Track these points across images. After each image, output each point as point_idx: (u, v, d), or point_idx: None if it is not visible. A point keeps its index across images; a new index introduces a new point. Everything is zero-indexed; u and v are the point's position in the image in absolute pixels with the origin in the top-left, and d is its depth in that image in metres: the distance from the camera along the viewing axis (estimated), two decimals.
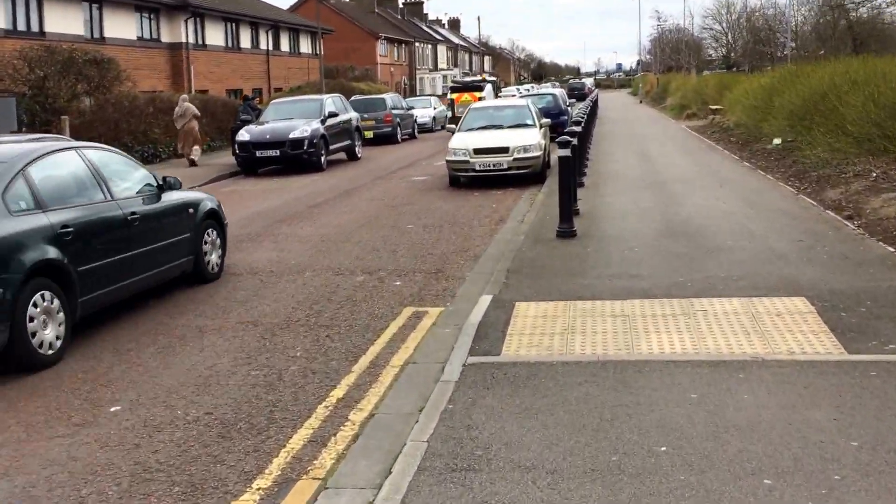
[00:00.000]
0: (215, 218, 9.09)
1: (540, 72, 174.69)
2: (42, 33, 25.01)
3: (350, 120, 23.41)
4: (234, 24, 37.34)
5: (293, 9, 62.04)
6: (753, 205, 11.52)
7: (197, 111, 23.08)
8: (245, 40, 38.45)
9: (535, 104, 18.51)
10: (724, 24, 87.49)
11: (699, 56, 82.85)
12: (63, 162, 7.20)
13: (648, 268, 8.09)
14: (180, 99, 23.47)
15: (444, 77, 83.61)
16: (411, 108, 33.04)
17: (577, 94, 67.54)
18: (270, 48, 41.45)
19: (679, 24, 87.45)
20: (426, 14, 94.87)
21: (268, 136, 20.43)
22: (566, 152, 9.80)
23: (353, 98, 30.57)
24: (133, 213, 7.51)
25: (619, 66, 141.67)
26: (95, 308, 7.01)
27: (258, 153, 20.35)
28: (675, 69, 62.34)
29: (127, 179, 7.91)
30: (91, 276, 6.80)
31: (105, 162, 7.70)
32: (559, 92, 28.67)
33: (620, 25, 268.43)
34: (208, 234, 8.88)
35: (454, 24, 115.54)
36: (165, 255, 8.02)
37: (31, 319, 6.11)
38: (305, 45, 46.83)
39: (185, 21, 32.47)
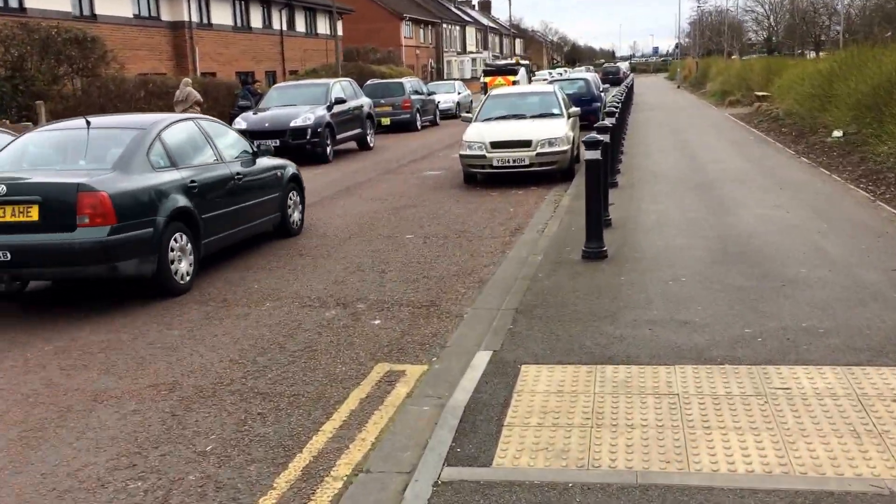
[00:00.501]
0: (297, 181, 10.49)
1: (573, 55, 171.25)
2: (22, 9, 23.37)
3: (361, 106, 21.53)
4: (243, 2, 35.57)
5: None
6: (824, 215, 9.45)
7: (199, 96, 21.32)
8: (256, 19, 36.67)
9: (563, 91, 16.44)
10: (767, 7, 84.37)
11: (740, 39, 79.81)
12: (184, 129, 8.50)
13: (701, 310, 6.12)
14: (182, 83, 21.71)
15: (473, 60, 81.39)
16: (433, 93, 31.06)
17: (612, 78, 65.07)
18: (285, 28, 39.66)
19: (720, 6, 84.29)
20: None
21: (266, 125, 18.61)
22: (595, 154, 7.81)
23: (368, 82, 28.69)
24: (238, 173, 8.83)
25: (656, 50, 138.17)
26: (212, 250, 8.38)
27: (255, 143, 18.49)
28: (716, 53, 59.61)
29: (230, 146, 9.17)
30: (210, 223, 8.15)
31: (214, 130, 9.04)
32: (592, 77, 26.51)
33: (658, 8, 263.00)
34: (292, 195, 10.24)
35: (485, 6, 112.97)
36: (261, 210, 9.36)
37: (172, 254, 7.52)
38: (323, 26, 44.99)
39: None
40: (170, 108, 23.09)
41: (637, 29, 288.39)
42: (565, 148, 13.54)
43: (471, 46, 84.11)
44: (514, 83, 39.07)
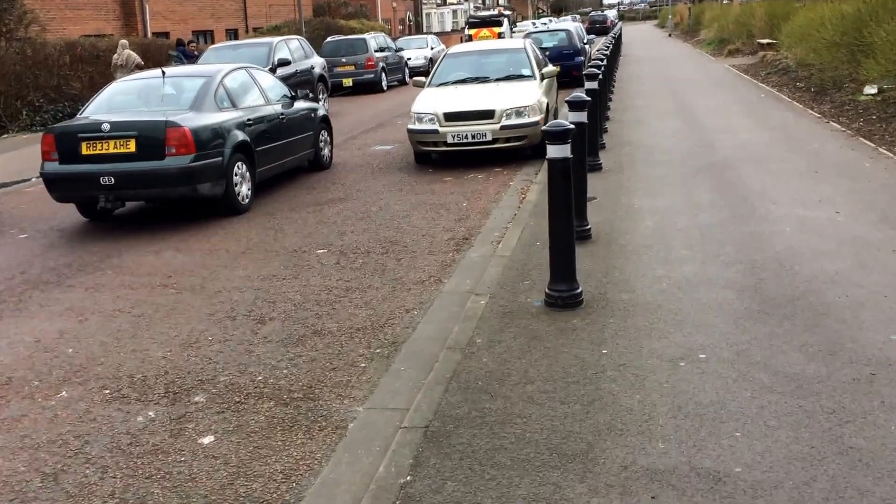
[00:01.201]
0: (327, 122, 11.72)
1: (560, 5, 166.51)
2: None
3: (310, 69, 18.67)
4: None
5: None
6: (893, 219, 6.76)
7: (140, 60, 18.45)
8: None
9: (537, 46, 13.52)
10: None
11: None
12: (238, 76, 10.03)
13: (744, 442, 3.46)
14: (119, 45, 18.80)
15: (454, 12, 77.81)
16: (400, 49, 28.02)
17: (599, 27, 61.88)
18: None
19: None
20: None
21: None
22: (562, 152, 5.14)
23: (328, 40, 25.77)
24: (282, 114, 10.20)
25: None
26: (264, 178, 9.77)
27: None
28: None
29: (273, 89, 10.59)
30: (262, 155, 9.55)
31: (260, 76, 10.57)
32: (575, 27, 23.58)
33: None
34: (322, 133, 11.52)
35: None
36: (300, 146, 10.70)
37: (234, 179, 8.93)
38: None
39: None
40: (102, 76, 20.20)
41: None
42: (536, 118, 10.80)
43: None
44: (500, 35, 36.93)
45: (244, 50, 17.67)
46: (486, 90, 11.48)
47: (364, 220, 8.40)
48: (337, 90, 24.23)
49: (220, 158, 8.64)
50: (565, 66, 21.29)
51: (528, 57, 12.36)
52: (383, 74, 25.24)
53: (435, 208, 8.73)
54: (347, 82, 24.56)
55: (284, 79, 17.32)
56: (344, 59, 24.63)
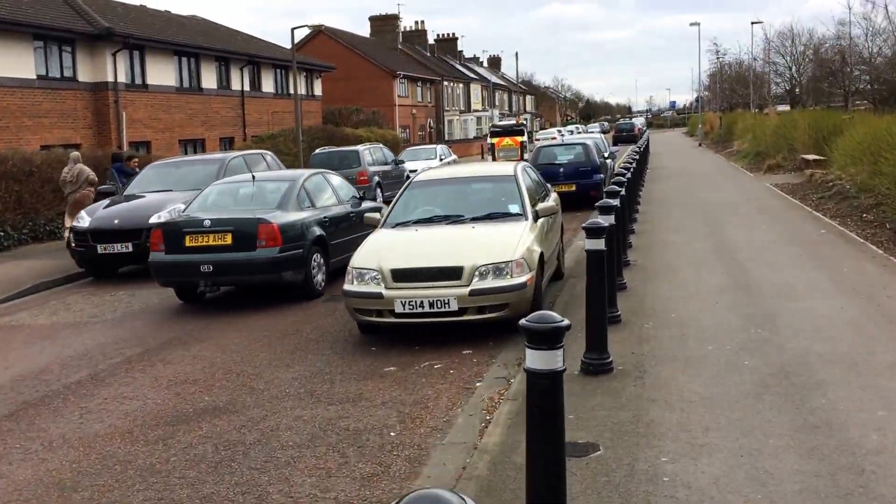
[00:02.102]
0: None
1: (588, 111, 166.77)
2: None
3: None
4: (192, 60, 30.35)
5: (299, 46, 55.48)
6: None
7: (93, 174, 15.82)
8: (209, 79, 31.41)
9: (530, 172, 10.44)
10: (789, 58, 79.04)
11: (763, 92, 74.30)
12: (316, 180, 11.75)
13: None
14: (70, 159, 16.24)
15: (479, 119, 76.47)
16: (401, 162, 25.36)
17: (626, 136, 59.71)
18: (247, 88, 34.40)
19: (739, 58, 78.89)
20: (461, 51, 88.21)
21: (116, 222, 12.93)
22: (549, 362, 2.68)
23: (316, 152, 23.20)
24: (350, 213, 11.72)
25: (673, 104, 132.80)
26: (335, 267, 10.88)
27: (101, 248, 12.83)
28: (742, 106, 53.93)
29: (343, 190, 12.32)
30: (335, 248, 10.95)
31: (333, 180, 12.32)
32: (594, 140, 20.77)
33: (673, 62, 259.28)
34: None
35: (494, 63, 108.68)
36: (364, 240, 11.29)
37: (312, 268, 10.34)
38: (299, 85, 39.71)
39: (114, 55, 25.43)
40: (32, 194, 17.56)
41: (653, 83, 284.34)
42: (523, 278, 7.70)
43: (476, 104, 79.16)
44: (522, 144, 37.08)
45: (192, 168, 14.93)
46: (455, 236, 8.43)
47: (230, 466, 5.18)
48: None
49: (302, 250, 10.12)
50: (582, 185, 18.47)
51: (519, 187, 9.30)
52: (378, 190, 22.49)
53: (346, 440, 5.51)
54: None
55: None
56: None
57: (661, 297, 8.74)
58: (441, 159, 29.96)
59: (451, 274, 7.68)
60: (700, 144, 49.02)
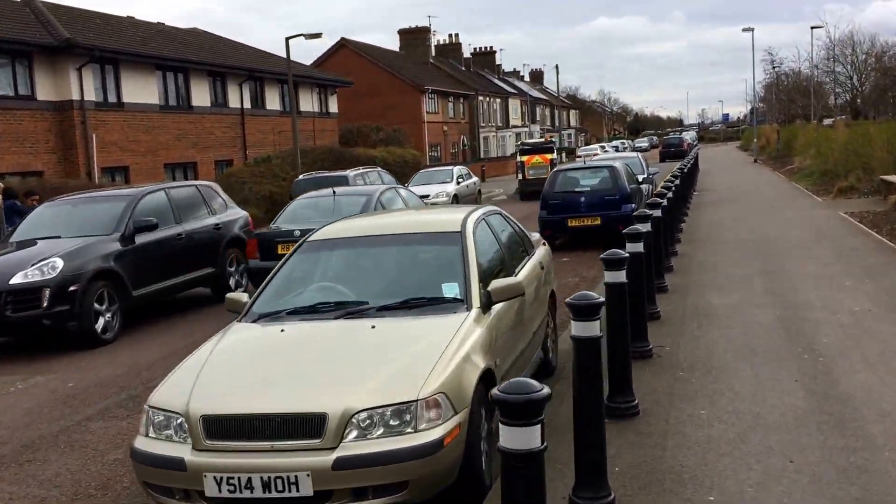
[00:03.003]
0: None
1: (637, 125, 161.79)
2: None
3: (210, 229, 12.51)
4: (179, 75, 27.40)
5: (320, 61, 52.78)
6: None
7: None
8: (200, 96, 28.46)
9: (492, 224, 6.74)
10: (849, 66, 74.04)
11: (822, 102, 69.47)
12: (390, 194, 12.92)
13: None
14: None
15: (518, 135, 72.81)
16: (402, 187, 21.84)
17: (674, 151, 55.44)
18: (248, 106, 31.41)
19: (795, 68, 74.02)
20: (499, 65, 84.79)
21: None
22: None
23: (300, 177, 19.88)
24: None
25: (726, 117, 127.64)
26: None
27: None
28: (802, 118, 49.53)
29: (413, 203, 13.48)
30: None
31: (404, 193, 13.62)
32: (625, 162, 16.98)
33: (726, 75, 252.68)
34: None
35: (536, 77, 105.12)
36: None
37: None
38: (310, 102, 36.65)
39: (79, 70, 22.52)
40: None
41: (704, 96, 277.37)
42: (437, 434, 4.21)
43: (515, 120, 75.59)
44: (552, 161, 36.17)
45: (90, 207, 11.58)
46: (339, 345, 4.94)
47: None
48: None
49: None
50: (608, 218, 14.81)
51: (465, 254, 5.65)
52: None
53: None
54: None
55: (148, 251, 11.18)
56: None
57: (696, 444, 5.07)
58: (459, 182, 26.44)
59: (305, 427, 4.17)
60: (755, 160, 44.71)
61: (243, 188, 24.71)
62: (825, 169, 24.43)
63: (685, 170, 21.47)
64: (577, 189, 15.27)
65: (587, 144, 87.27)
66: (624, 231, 7.16)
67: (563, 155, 77.94)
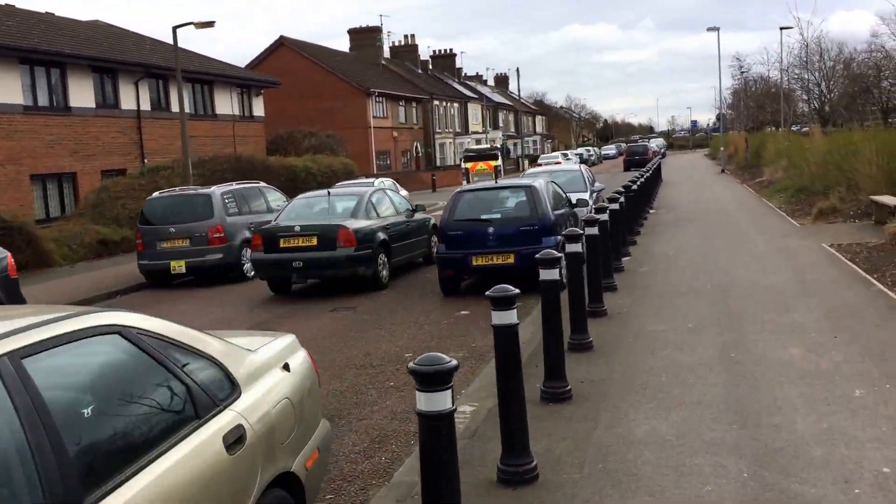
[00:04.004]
0: (436, 228, 14.28)
1: (607, 132, 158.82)
2: None
3: None
4: (53, 71, 23.42)
5: (257, 61, 48.97)
6: None
7: None
8: (83, 96, 24.47)
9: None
10: (817, 74, 71.34)
11: (794, 109, 66.57)
12: (380, 194, 14.35)
13: None
14: None
15: (478, 141, 69.21)
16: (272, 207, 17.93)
17: (638, 159, 51.98)
18: (147, 107, 27.47)
19: (764, 74, 71.11)
20: (459, 68, 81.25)
21: None
22: None
23: (153, 196, 16.05)
24: (406, 222, 14.29)
25: (695, 124, 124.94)
26: (395, 266, 13.59)
27: None
28: (772, 125, 46.40)
29: (401, 203, 14.88)
30: (395, 249, 13.45)
31: (392, 194, 15.06)
32: (544, 182, 12.67)
33: (695, 81, 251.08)
34: (433, 238, 15.00)
35: (502, 81, 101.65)
36: (417, 245, 14.72)
37: (378, 265, 12.79)
38: (229, 104, 32.71)
39: None
40: None
41: (674, 103, 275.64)
42: None
43: (475, 126, 71.99)
44: (496, 168, 38.13)
45: None
46: None
47: None
48: (168, 279, 14.71)
49: (371, 250, 12.57)
50: (523, 254, 11.19)
51: None
52: (247, 251, 15.29)
53: None
54: (178, 266, 14.70)
55: None
56: (173, 230, 14.83)
57: None
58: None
59: None
60: (723, 171, 41.46)
61: (116, 204, 20.83)
62: (801, 185, 21.01)
63: (640, 182, 17.94)
64: (484, 217, 11.59)
65: (554, 151, 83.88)
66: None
67: (526, 162, 74.77)
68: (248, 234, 15.33)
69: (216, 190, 15.29)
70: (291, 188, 28.56)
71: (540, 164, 59.26)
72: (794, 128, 54.58)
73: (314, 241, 12.37)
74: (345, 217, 13.04)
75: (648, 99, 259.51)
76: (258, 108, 35.41)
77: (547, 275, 6.33)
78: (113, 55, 26.15)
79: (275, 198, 17.10)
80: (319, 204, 13.93)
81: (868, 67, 67.82)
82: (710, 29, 42.11)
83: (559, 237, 11.48)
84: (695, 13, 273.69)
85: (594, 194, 17.29)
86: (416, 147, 57.85)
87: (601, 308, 9.08)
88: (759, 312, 8.63)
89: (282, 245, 12.57)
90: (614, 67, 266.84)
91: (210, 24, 22.46)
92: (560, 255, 6.73)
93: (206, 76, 31.29)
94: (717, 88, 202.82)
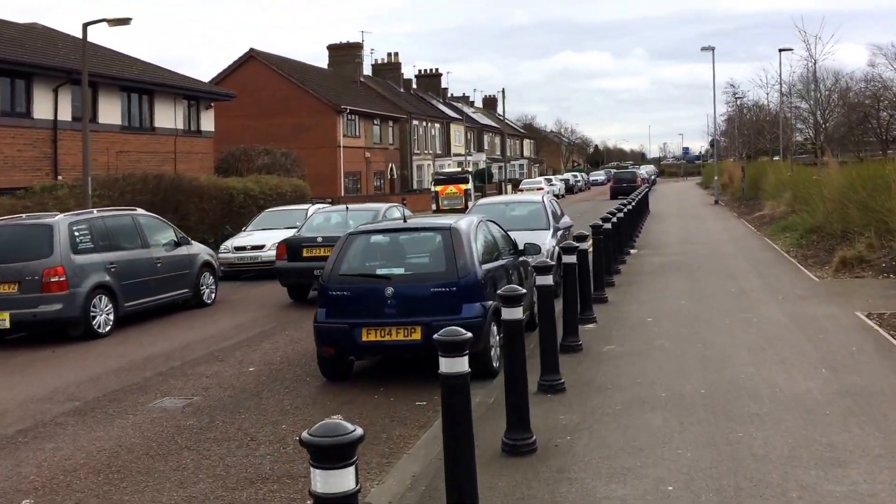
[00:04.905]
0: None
1: (597, 157, 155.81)
2: None
3: None
4: None
5: (224, 75, 45.79)
6: None
7: None
8: None
9: None
10: (812, 102, 68.42)
11: (787, 139, 63.62)
12: (391, 209, 16.20)
13: None
14: None
15: (460, 164, 65.85)
16: (181, 240, 14.35)
17: (626, 187, 48.49)
18: (66, 117, 23.99)
19: (759, 100, 68.12)
20: (445, 88, 78.01)
21: None
22: None
23: None
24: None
25: (687, 151, 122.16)
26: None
27: None
28: (770, 153, 43.18)
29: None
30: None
31: (396, 212, 15.99)
32: (469, 224, 8.86)
33: (685, 111, 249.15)
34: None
35: (490, 103, 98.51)
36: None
37: None
38: (172, 117, 29.19)
39: None
40: None
41: (666, 131, 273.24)
42: None
43: (457, 147, 68.69)
44: (466, 192, 36.96)
45: None
46: None
47: None
48: None
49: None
50: (433, 327, 7.58)
51: None
52: (102, 299, 11.74)
53: None
54: (2, 319, 11.15)
55: None
56: None
57: None
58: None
59: None
60: (717, 202, 38.16)
61: None
62: (812, 224, 17.59)
63: (613, 219, 14.53)
64: (381, 272, 8.07)
65: (542, 175, 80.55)
66: None
67: (509, 187, 71.40)
68: (105, 278, 11.81)
69: (61, 220, 11.71)
70: (227, 213, 25.14)
71: (521, 190, 56.12)
72: (791, 156, 51.49)
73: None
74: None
75: (640, 125, 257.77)
76: (207, 123, 31.93)
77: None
78: (29, 58, 22.71)
79: (159, 232, 13.59)
80: (337, 217, 15.85)
81: (865, 97, 64.99)
82: (704, 49, 38.77)
83: (489, 302, 8.03)
84: (685, 44, 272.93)
85: (559, 232, 13.84)
86: (392, 169, 54.43)
87: (526, 442, 5.58)
88: (792, 467, 5.10)
89: (304, 254, 13.74)
90: (606, 94, 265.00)
91: (126, 20, 19.14)
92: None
93: (146, 85, 27.82)
94: (709, 116, 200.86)
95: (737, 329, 9.28)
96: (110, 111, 26.31)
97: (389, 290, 7.85)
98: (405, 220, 8.97)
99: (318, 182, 42.68)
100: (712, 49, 39.04)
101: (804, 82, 40.99)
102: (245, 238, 18.91)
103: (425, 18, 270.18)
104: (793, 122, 67.31)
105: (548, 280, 6.96)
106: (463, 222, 8.50)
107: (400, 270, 8.07)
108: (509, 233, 13.57)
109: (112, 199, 19.89)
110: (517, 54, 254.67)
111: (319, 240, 13.90)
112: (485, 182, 62.69)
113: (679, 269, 14.96)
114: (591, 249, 11.39)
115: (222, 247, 18.77)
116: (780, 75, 40.57)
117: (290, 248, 14.03)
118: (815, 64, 28.43)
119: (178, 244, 13.93)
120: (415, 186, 56.29)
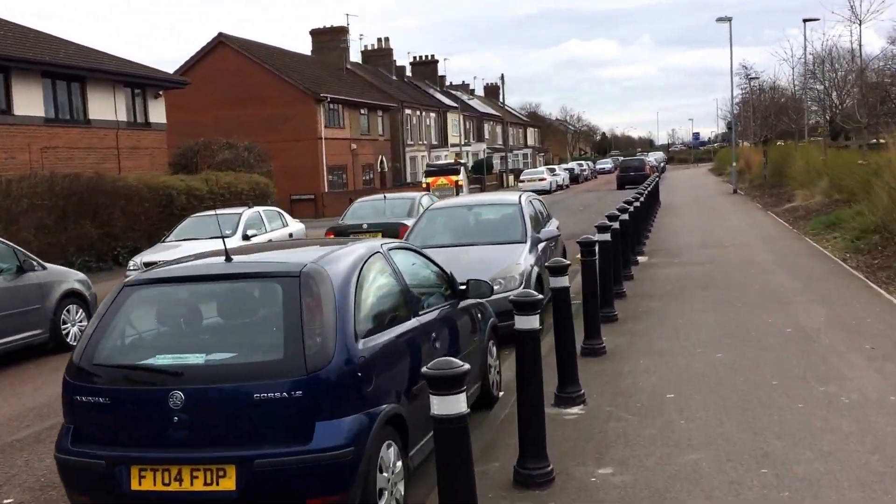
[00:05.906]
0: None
1: (605, 145, 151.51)
2: None
3: None
4: None
5: (192, 62, 42.20)
6: None
7: None
8: None
9: None
10: (827, 83, 64.19)
11: (802, 121, 59.60)
12: (428, 199, 17.15)
13: None
14: None
15: (458, 154, 62.03)
16: (24, 265, 10.57)
17: (634, 176, 44.66)
18: None
19: (773, 81, 63.98)
20: (442, 76, 74.22)
21: None
22: None
23: None
24: None
25: (696, 136, 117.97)
26: None
27: None
28: (796, 135, 39.27)
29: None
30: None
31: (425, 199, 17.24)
32: (344, 265, 4.77)
33: (693, 98, 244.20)
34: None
35: (491, 92, 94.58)
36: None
37: None
38: (112, 107, 25.51)
39: None
40: None
41: (675, 117, 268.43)
42: None
43: (455, 137, 64.89)
44: (457, 183, 35.86)
45: None
46: None
47: None
48: None
49: None
50: (254, 470, 3.59)
51: None
52: None
53: None
54: None
55: None
56: None
57: None
58: (246, 237, 15.55)
59: None
60: (735, 191, 34.32)
61: None
62: (871, 223, 13.76)
63: (616, 222, 10.80)
64: (161, 362, 4.32)
65: (548, 164, 76.51)
66: None
67: (511, 177, 67.45)
68: None
69: None
70: (166, 217, 21.46)
71: (522, 181, 52.24)
72: (810, 139, 47.59)
73: (379, 237, 12.86)
74: (403, 216, 15.56)
75: (648, 113, 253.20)
76: (157, 114, 28.25)
77: None
78: None
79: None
80: (377, 205, 17.18)
81: (886, 76, 60.78)
82: (720, 19, 34.85)
83: (379, 408, 4.34)
84: (691, 31, 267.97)
85: (540, 245, 10.07)
86: (382, 161, 50.72)
87: None
88: None
89: None
90: (614, 82, 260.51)
91: None
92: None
93: (75, 70, 24.17)
94: (718, 100, 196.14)
95: (821, 425, 5.51)
96: (30, 101, 22.69)
97: (177, 398, 4.12)
98: (228, 258, 4.90)
99: (298, 177, 39.10)
100: (729, 20, 35.09)
101: (860, 35, 36.79)
102: (159, 252, 15.19)
103: (429, 14, 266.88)
104: (826, 98, 63.28)
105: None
106: (334, 262, 4.70)
107: (198, 359, 4.29)
108: (470, 248, 9.82)
109: (3, 207, 16.23)
110: (523, 45, 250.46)
111: (364, 226, 15.18)
112: (484, 173, 58.91)
113: (706, 287, 11.20)
114: (582, 268, 7.81)
115: (130, 263, 15.16)
116: (805, 50, 36.37)
117: (338, 234, 14.88)
118: (860, 25, 24.40)
119: (21, 269, 10.24)
120: (408, 179, 52.64)
